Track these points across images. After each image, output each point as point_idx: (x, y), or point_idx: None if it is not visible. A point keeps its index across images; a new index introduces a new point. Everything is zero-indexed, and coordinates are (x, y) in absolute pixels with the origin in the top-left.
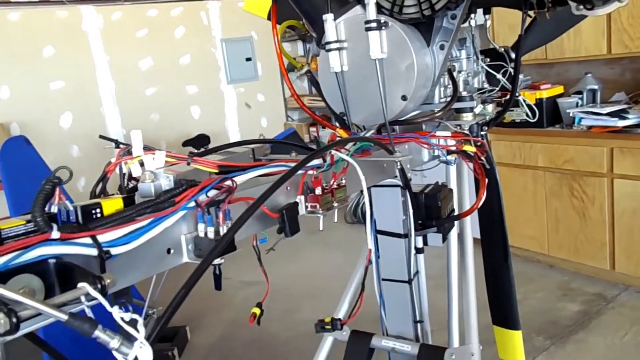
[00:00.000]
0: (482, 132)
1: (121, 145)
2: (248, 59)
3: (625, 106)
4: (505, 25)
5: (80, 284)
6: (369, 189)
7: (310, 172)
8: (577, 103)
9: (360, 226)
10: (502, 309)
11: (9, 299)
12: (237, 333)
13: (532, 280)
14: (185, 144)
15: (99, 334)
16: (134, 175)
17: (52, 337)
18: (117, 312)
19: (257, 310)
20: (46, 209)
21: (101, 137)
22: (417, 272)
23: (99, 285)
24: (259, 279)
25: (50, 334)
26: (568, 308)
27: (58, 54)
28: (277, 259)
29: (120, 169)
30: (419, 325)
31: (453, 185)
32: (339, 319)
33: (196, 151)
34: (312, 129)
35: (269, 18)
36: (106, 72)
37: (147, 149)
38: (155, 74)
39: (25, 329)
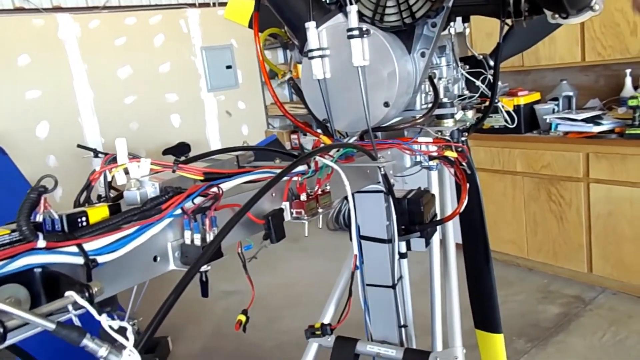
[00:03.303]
0: (463, 138)
1: (100, 155)
2: (228, 67)
3: (599, 112)
4: (483, 33)
5: (67, 293)
6: (352, 195)
7: (295, 178)
8: (554, 109)
9: (342, 233)
10: (484, 312)
11: None
12: (219, 343)
13: (511, 284)
14: (166, 152)
15: (87, 342)
16: (118, 183)
17: (27, 346)
18: (105, 320)
19: (242, 318)
20: (31, 218)
21: (79, 146)
22: (400, 277)
23: (87, 294)
24: (239, 288)
25: (26, 343)
26: (548, 310)
27: (34, 62)
28: (258, 267)
29: (105, 177)
30: (403, 330)
31: (435, 190)
32: (329, 324)
33: (180, 159)
34: (294, 136)
35: (250, 26)
36: (84, 81)
37: (132, 156)
38: (135, 83)
39: (11, 339)
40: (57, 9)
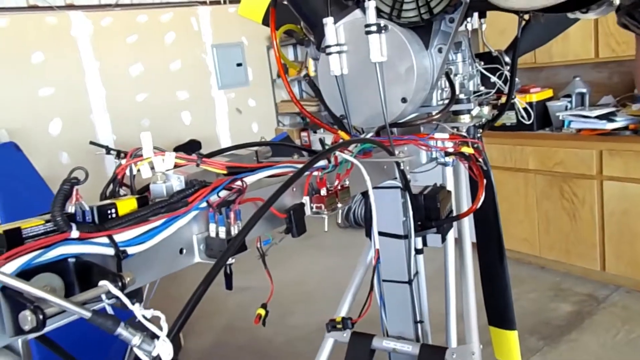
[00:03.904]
0: (478, 135)
1: (112, 152)
2: (239, 65)
3: (613, 109)
4: (496, 30)
5: (101, 282)
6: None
7: (315, 173)
8: (566, 106)
9: (353, 230)
10: (498, 309)
11: (34, 297)
12: (231, 338)
13: (524, 282)
14: (177, 149)
15: (122, 331)
16: (143, 176)
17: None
18: (138, 310)
19: (262, 311)
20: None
21: (91, 143)
22: (416, 273)
23: (120, 284)
24: (251, 284)
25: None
26: (560, 309)
27: (47, 60)
28: (269, 263)
29: (131, 170)
30: (419, 325)
31: (450, 186)
32: (350, 318)
33: (203, 154)
34: (303, 134)
35: (264, 23)
36: (96, 78)
37: (157, 150)
38: (146, 80)
39: (49, 326)
40: (70, 7)
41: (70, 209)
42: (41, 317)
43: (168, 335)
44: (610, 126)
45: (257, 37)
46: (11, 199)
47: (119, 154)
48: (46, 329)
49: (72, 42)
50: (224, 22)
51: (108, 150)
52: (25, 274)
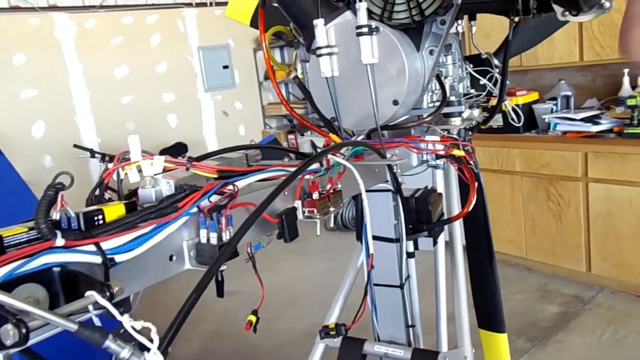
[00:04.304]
0: (468, 137)
1: (96, 155)
2: (225, 67)
3: (598, 112)
4: (481, 34)
5: (88, 293)
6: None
7: (307, 176)
8: (552, 109)
9: (341, 233)
10: (487, 312)
11: (16, 309)
12: (218, 344)
13: (510, 283)
14: (163, 152)
15: (110, 344)
16: (131, 181)
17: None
18: (127, 321)
19: (252, 318)
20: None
21: (75, 146)
22: (408, 277)
23: (107, 293)
24: (238, 288)
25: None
26: (547, 310)
27: (30, 61)
28: (257, 267)
29: (118, 174)
30: (410, 329)
31: (440, 189)
32: (343, 324)
33: (192, 157)
34: (291, 136)
35: (252, 25)
36: (80, 81)
37: (145, 154)
38: (131, 82)
39: (33, 339)
40: (54, 8)
41: (55, 215)
42: (24, 330)
43: (159, 348)
44: (595, 129)
45: (244, 40)
46: None
47: (103, 158)
48: (30, 342)
49: (56, 43)
50: (210, 24)
51: (92, 153)
52: (7, 285)
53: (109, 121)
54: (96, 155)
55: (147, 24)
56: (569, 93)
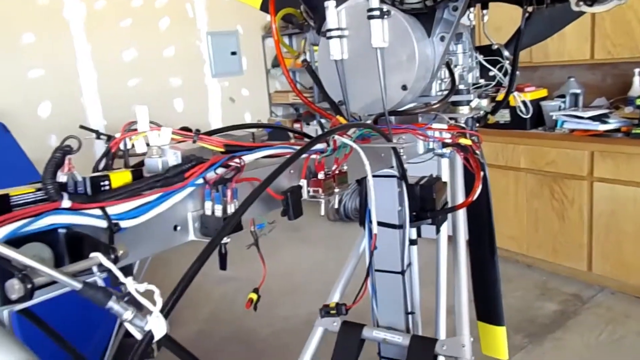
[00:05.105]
0: (475, 127)
1: (102, 136)
2: (233, 53)
3: (606, 111)
4: (492, 27)
5: (93, 254)
6: (366, 178)
7: (313, 156)
8: (560, 106)
9: (343, 224)
10: (487, 304)
11: (22, 265)
12: (216, 328)
13: (510, 280)
14: None
15: (113, 304)
16: (138, 151)
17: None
18: (131, 283)
19: (254, 296)
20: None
21: (81, 127)
22: (409, 264)
23: (112, 256)
24: (237, 274)
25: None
26: (546, 307)
27: (38, 41)
28: (257, 255)
29: (125, 144)
30: (410, 316)
31: (445, 178)
32: (344, 304)
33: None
34: (296, 125)
35: (262, 8)
36: (88, 62)
37: (153, 125)
38: (139, 65)
39: (38, 297)
40: None
41: (62, 178)
42: (29, 286)
43: (162, 310)
44: (602, 127)
45: (253, 27)
46: None
47: (109, 139)
48: (34, 301)
49: (64, 24)
50: (219, 9)
51: (98, 135)
52: (13, 242)
53: (115, 103)
54: (102, 136)
55: (156, 7)
56: (578, 91)
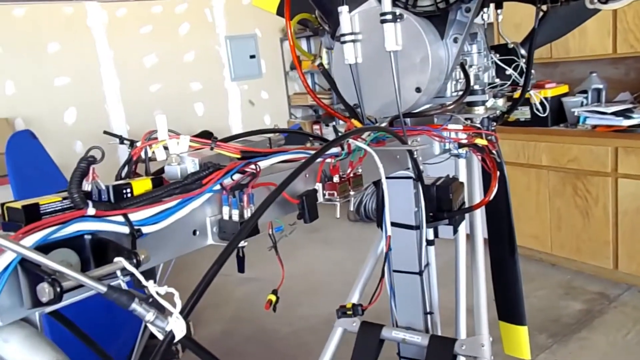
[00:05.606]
0: (492, 127)
1: (125, 141)
2: (252, 57)
3: (630, 106)
4: (511, 24)
5: (116, 259)
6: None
7: (328, 160)
8: (582, 102)
9: (363, 224)
10: (508, 304)
11: (51, 270)
12: (238, 328)
13: (533, 279)
14: None
15: (136, 306)
16: (158, 159)
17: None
18: (152, 286)
19: (273, 297)
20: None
21: (105, 132)
22: (427, 264)
23: (135, 260)
24: (258, 275)
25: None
26: (570, 307)
27: (63, 49)
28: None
29: (146, 152)
30: (429, 316)
31: (462, 179)
32: (360, 305)
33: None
34: (316, 127)
35: (278, 13)
36: (110, 69)
37: (172, 134)
38: (160, 71)
39: (66, 300)
40: None
41: (87, 187)
42: (58, 289)
43: (181, 312)
44: (626, 123)
45: (271, 30)
46: (26, 185)
47: (132, 144)
48: (62, 303)
49: (88, 32)
50: (237, 13)
51: (121, 140)
52: (42, 249)
53: (137, 109)
54: (125, 141)
55: (176, 13)
56: (600, 86)
